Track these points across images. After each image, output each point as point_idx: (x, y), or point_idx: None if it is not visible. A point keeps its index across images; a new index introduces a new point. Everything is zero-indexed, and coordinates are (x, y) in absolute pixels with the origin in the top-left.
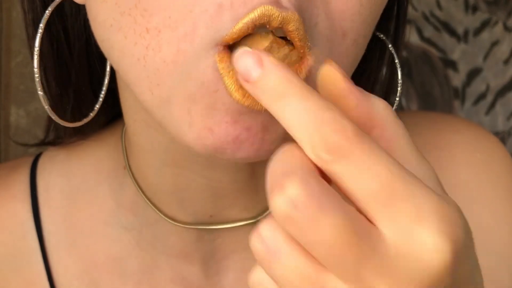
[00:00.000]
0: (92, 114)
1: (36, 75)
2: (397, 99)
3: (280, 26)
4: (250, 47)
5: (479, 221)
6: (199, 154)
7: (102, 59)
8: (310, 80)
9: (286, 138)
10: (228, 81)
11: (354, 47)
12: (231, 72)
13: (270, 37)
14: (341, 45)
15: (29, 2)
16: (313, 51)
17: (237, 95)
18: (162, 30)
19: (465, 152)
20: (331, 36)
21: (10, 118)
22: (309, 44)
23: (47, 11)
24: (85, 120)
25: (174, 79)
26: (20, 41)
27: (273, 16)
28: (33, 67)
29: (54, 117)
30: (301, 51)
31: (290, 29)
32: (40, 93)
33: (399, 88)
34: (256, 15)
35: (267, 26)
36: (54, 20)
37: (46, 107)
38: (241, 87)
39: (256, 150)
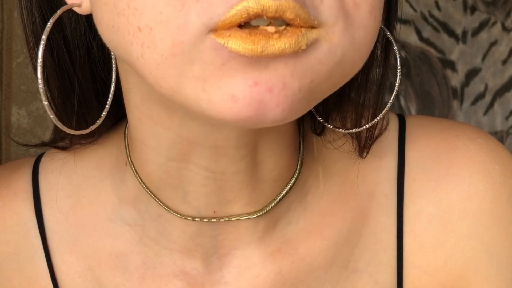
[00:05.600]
0: (99, 121)
1: (40, 86)
2: (397, 84)
3: (278, 16)
4: None
5: (492, 236)
6: (229, 125)
7: (105, 66)
8: (315, 50)
9: (307, 98)
10: (234, 42)
11: (371, 19)
12: (231, 35)
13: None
14: (355, 15)
15: (28, 15)
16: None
17: (247, 45)
18: (154, 27)
19: (483, 163)
20: (343, 7)
21: (11, 118)
22: (316, 22)
23: (48, 24)
24: (92, 127)
25: (176, 69)
26: (21, 41)
27: (267, 5)
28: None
29: (60, 125)
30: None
31: (290, 17)
32: (45, 103)
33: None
34: (250, 4)
35: (264, 17)
36: (53, 31)
37: (52, 116)
38: (248, 34)
39: (282, 110)
